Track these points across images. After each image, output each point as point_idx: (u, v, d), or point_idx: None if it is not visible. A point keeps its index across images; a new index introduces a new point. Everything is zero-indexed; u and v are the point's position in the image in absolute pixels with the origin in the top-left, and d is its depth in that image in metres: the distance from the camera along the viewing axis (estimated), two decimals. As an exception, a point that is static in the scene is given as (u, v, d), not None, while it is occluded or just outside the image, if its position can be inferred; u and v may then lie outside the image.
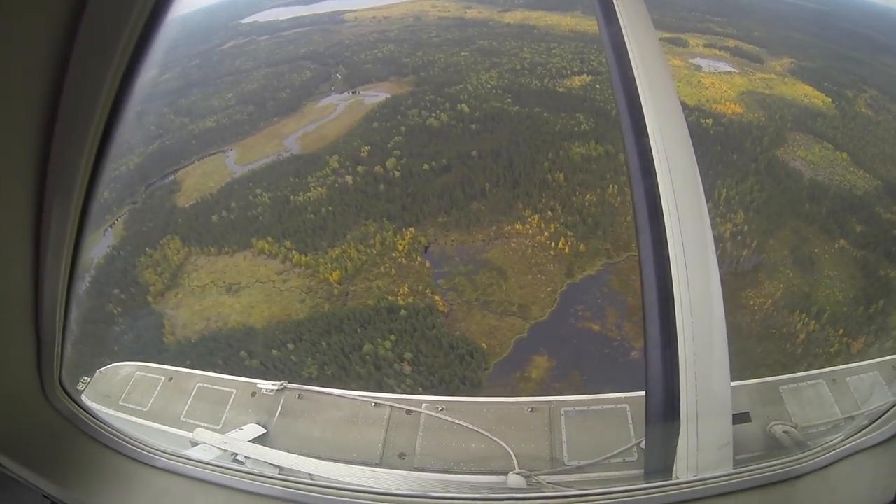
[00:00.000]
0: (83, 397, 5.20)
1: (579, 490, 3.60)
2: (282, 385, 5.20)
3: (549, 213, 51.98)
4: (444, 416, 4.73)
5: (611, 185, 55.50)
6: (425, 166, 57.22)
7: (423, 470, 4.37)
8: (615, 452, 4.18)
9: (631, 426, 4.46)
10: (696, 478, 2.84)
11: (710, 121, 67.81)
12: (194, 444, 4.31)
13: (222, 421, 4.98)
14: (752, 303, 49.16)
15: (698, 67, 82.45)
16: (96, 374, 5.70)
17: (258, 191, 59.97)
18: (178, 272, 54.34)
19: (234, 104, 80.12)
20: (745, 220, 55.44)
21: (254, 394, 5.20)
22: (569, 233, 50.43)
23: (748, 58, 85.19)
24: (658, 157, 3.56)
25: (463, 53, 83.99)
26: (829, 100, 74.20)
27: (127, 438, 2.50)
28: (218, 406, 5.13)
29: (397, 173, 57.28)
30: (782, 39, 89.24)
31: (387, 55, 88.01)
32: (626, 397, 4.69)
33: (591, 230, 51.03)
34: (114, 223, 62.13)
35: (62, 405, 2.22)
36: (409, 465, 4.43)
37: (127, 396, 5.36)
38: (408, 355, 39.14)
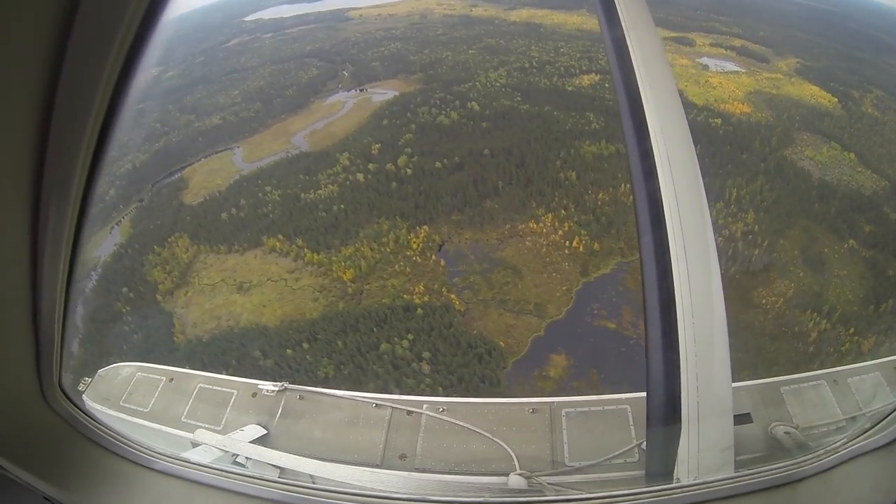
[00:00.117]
0: (85, 397, 5.20)
1: (580, 492, 3.72)
2: (283, 386, 5.21)
3: (563, 211, 51.96)
4: (444, 418, 4.72)
5: (623, 185, 55.42)
6: (437, 164, 57.04)
7: (424, 471, 4.37)
8: (616, 453, 4.16)
9: (632, 427, 4.45)
10: (697, 481, 2.83)
11: (718, 120, 68.00)
12: (195, 444, 4.32)
13: (223, 422, 4.98)
14: (764, 302, 49.35)
15: (705, 67, 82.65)
16: (97, 374, 5.70)
17: (268, 188, 59.59)
18: (187, 270, 53.89)
19: (241, 101, 79.68)
20: (755, 220, 55.61)
21: (255, 395, 5.20)
22: (583, 231, 50.41)
23: (754, 57, 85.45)
24: (660, 159, 3.56)
25: (470, 51, 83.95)
26: (836, 100, 74.55)
27: (126, 441, 2.50)
28: (219, 407, 5.14)
29: (409, 171, 57.06)
30: (787, 39, 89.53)
31: (393, 53, 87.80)
32: (626, 398, 4.69)
33: (604, 229, 51.02)
34: (120, 221, 61.65)
35: (62, 408, 2.22)
36: (410, 466, 4.43)
37: (128, 397, 5.36)
38: (426, 354, 38.94)
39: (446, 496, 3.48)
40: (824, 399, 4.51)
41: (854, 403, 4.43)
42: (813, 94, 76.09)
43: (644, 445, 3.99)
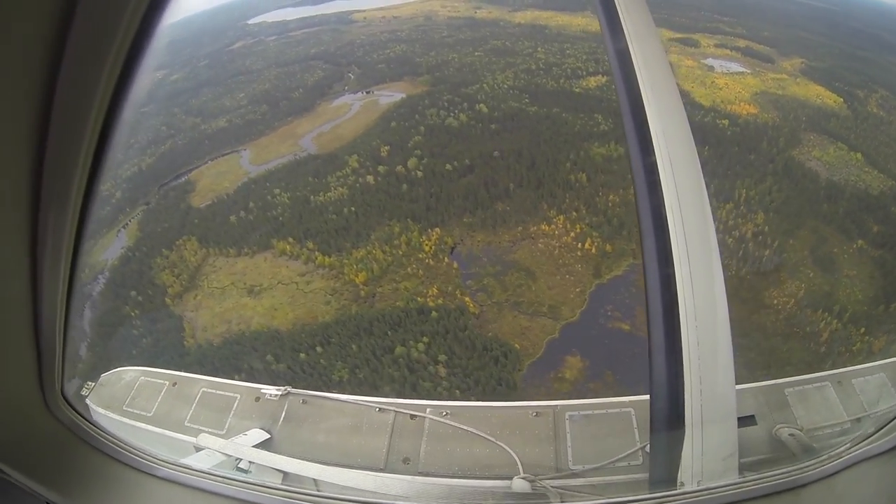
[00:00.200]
0: (88, 402, 5.19)
1: (584, 496, 3.82)
2: (286, 390, 5.22)
3: (574, 213, 51.95)
4: (448, 421, 4.72)
5: (633, 187, 55.43)
6: (448, 166, 56.98)
7: (427, 475, 4.36)
8: (620, 456, 4.16)
9: (636, 430, 4.43)
10: (700, 487, 2.84)
11: (726, 121, 68.10)
12: (198, 449, 4.32)
13: (226, 426, 4.99)
14: (776, 302, 49.47)
15: (711, 68, 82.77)
16: (101, 378, 5.71)
17: (276, 191, 59.43)
18: (196, 273, 53.69)
19: (247, 104, 79.61)
20: (765, 221, 55.74)
21: (258, 399, 5.21)
22: (594, 233, 50.38)
23: (759, 58, 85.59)
24: (662, 161, 3.54)
25: (477, 53, 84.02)
26: (841, 100, 74.68)
27: (129, 448, 2.52)
28: (222, 411, 5.15)
29: (419, 173, 56.98)
30: (791, 39, 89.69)
31: (399, 55, 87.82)
32: (630, 401, 4.69)
33: (616, 231, 51.01)
34: (127, 224, 61.49)
35: (64, 415, 2.23)
36: (413, 470, 4.42)
37: (131, 401, 5.37)
38: (442, 357, 38.81)
39: (450, 500, 3.54)
40: (829, 400, 4.51)
41: (859, 404, 4.42)
42: (818, 94, 76.23)
43: (647, 448, 3.97)
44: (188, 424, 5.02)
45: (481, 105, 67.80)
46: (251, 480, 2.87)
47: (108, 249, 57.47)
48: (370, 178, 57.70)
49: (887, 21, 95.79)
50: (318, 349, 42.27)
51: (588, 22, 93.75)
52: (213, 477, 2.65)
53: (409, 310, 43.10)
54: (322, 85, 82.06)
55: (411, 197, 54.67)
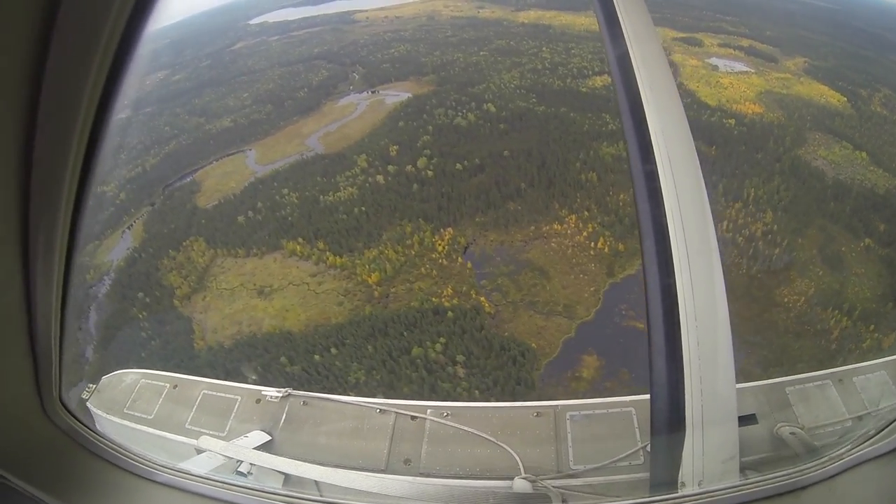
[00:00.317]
0: (89, 404, 5.16)
1: (585, 496, 3.82)
2: (287, 392, 5.22)
3: (586, 213, 51.97)
4: (449, 422, 4.73)
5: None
6: (458, 166, 56.87)
7: (428, 475, 4.37)
8: (621, 456, 4.18)
9: (637, 430, 4.44)
10: (701, 490, 2.85)
11: (732, 121, 68.40)
12: (199, 451, 4.32)
13: (227, 428, 4.99)
14: (786, 300, 49.74)
15: (715, 67, 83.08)
16: (101, 381, 5.70)
17: (284, 191, 59.07)
18: (204, 275, 53.22)
19: (251, 104, 79.16)
20: (774, 220, 56.01)
21: (258, 401, 5.22)
22: (606, 233, 50.42)
23: (763, 57, 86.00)
24: (661, 161, 3.52)
25: (482, 53, 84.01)
26: (845, 99, 75.14)
27: (129, 453, 2.51)
28: (223, 413, 5.15)
29: (430, 173, 56.80)
30: (795, 38, 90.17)
31: (403, 55, 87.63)
32: (631, 401, 4.70)
33: (627, 230, 51.03)
34: (132, 225, 60.97)
35: (62, 421, 2.23)
36: (414, 470, 4.42)
37: (132, 404, 5.36)
38: (460, 358, 38.62)
39: (451, 501, 3.58)
40: (830, 399, 4.51)
41: (860, 402, 4.43)
42: (822, 93, 76.66)
43: (648, 448, 4.00)
44: (189, 427, 4.99)
45: (489, 104, 67.76)
46: (251, 485, 2.89)
47: (113, 250, 56.98)
48: (380, 178, 57.45)
49: (890, 20, 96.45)
50: (333, 350, 41.97)
51: (591, 21, 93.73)
52: (212, 482, 2.65)
53: (425, 310, 42.90)
54: (327, 84, 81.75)
55: (422, 196, 54.48)
